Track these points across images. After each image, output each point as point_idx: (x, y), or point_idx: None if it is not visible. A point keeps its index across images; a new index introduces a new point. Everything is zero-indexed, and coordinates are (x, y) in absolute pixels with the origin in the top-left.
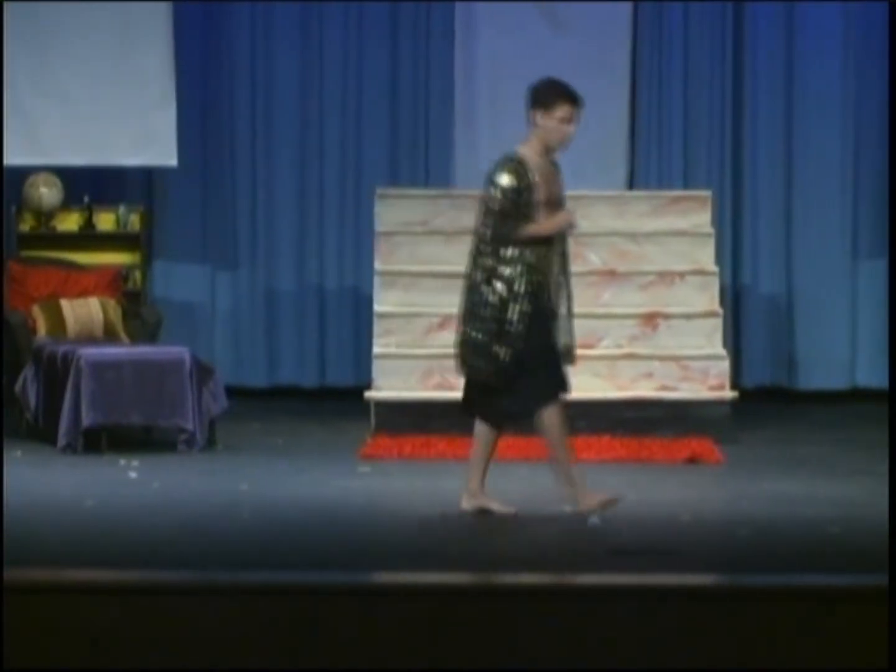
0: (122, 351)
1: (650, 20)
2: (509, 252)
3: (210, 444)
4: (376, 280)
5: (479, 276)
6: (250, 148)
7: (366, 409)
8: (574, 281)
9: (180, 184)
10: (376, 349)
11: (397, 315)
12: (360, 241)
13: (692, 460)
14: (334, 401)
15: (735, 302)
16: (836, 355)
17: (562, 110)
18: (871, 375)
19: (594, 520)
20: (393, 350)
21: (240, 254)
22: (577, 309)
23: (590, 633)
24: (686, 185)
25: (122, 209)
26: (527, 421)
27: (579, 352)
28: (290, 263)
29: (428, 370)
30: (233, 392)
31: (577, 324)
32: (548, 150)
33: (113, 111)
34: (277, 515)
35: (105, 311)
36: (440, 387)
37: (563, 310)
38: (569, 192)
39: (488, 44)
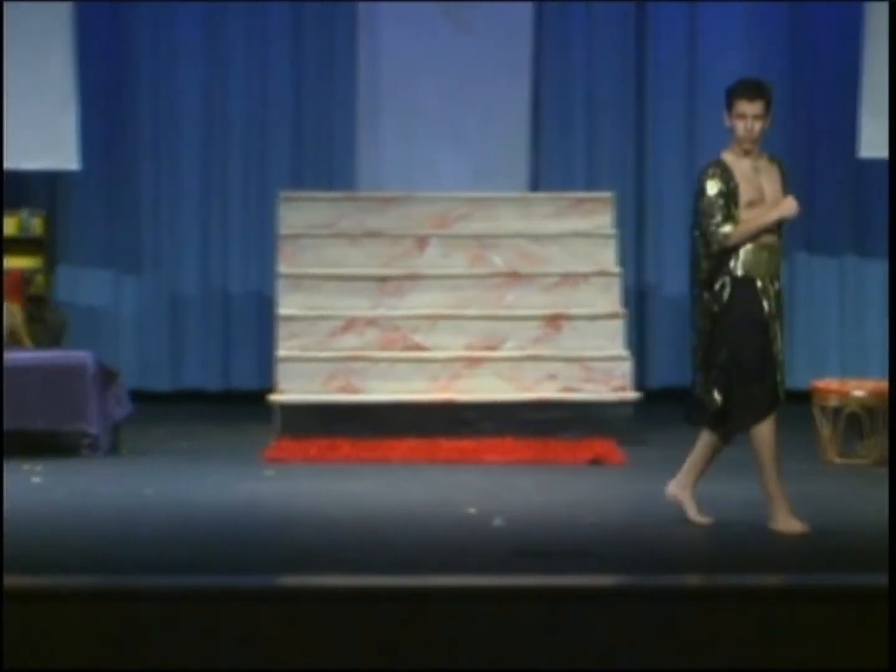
0: (26, 356)
1: (553, 20)
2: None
3: (114, 448)
4: (280, 283)
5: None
6: (154, 151)
7: (270, 412)
8: (477, 283)
9: (84, 188)
10: (280, 352)
11: (301, 318)
12: (264, 245)
13: (596, 461)
14: (239, 404)
15: (639, 303)
16: None
17: (738, 107)
18: None
19: (499, 521)
20: (297, 353)
21: (144, 257)
22: (479, 311)
23: (498, 633)
24: (589, 186)
25: (24, 213)
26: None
27: (481, 353)
28: (194, 267)
29: (332, 373)
30: (137, 396)
31: (480, 326)
32: (744, 151)
33: (14, 115)
34: (183, 519)
35: (8, 316)
36: (344, 389)
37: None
38: (470, 195)
39: (392, 44)
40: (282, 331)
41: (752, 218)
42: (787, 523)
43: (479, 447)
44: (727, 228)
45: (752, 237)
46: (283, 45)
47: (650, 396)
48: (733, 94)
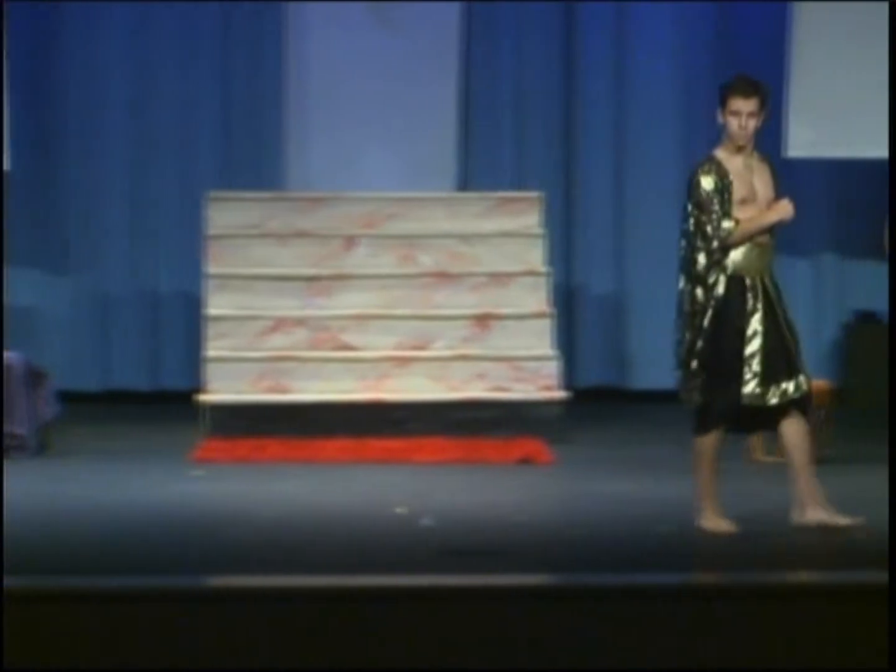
0: None
1: (481, 20)
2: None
3: (42, 449)
4: (209, 283)
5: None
6: (82, 152)
7: (199, 412)
8: (406, 283)
9: (11, 188)
10: (209, 352)
11: (230, 318)
12: (192, 245)
13: (525, 461)
14: (168, 404)
15: (568, 302)
16: (668, 355)
17: (732, 104)
18: None
19: (428, 521)
20: (226, 353)
21: (72, 258)
22: (408, 311)
23: (426, 632)
24: (517, 186)
25: None
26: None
27: (410, 353)
28: (122, 267)
29: (261, 373)
30: (66, 397)
31: (408, 326)
32: (737, 149)
33: None
34: (111, 520)
35: None
36: (273, 389)
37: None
38: (399, 195)
39: (320, 44)
40: (210, 331)
41: (752, 219)
42: (715, 522)
43: (407, 447)
44: (728, 224)
45: (751, 238)
46: (211, 45)
47: (579, 396)
48: (728, 91)
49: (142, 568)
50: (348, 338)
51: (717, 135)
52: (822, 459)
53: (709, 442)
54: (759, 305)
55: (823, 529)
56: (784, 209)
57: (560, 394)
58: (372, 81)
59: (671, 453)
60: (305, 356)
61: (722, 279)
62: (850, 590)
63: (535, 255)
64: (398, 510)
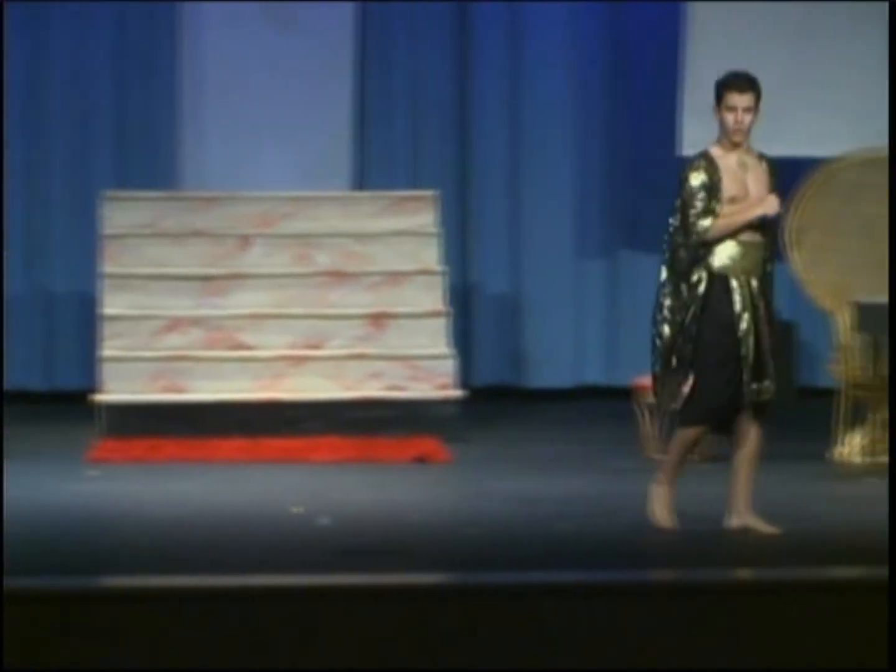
0: None
1: (375, 20)
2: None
3: None
4: (104, 283)
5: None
6: None
7: (94, 412)
8: (301, 282)
9: None
10: (104, 352)
11: (125, 318)
12: (87, 244)
13: (421, 460)
14: (63, 404)
15: (463, 301)
16: (564, 353)
17: (728, 99)
18: (598, 373)
19: (324, 520)
20: (121, 353)
21: None
22: (303, 310)
23: (322, 631)
24: (412, 185)
25: None
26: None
27: (305, 353)
28: (16, 267)
29: (156, 373)
30: None
31: (304, 325)
32: (733, 144)
33: None
34: (6, 520)
35: None
36: (168, 389)
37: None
38: (294, 194)
39: (214, 44)
40: (105, 331)
41: (732, 212)
42: (662, 514)
43: (303, 446)
44: (706, 222)
45: (733, 233)
46: (104, 44)
47: (474, 394)
48: (723, 87)
49: (36, 568)
50: (243, 337)
51: (612, 133)
52: (716, 457)
53: (691, 435)
54: (747, 305)
55: (739, 532)
56: (768, 204)
57: (456, 392)
58: (266, 81)
59: (567, 451)
60: (201, 356)
61: (705, 277)
62: (735, 588)
63: (430, 254)
64: (294, 510)
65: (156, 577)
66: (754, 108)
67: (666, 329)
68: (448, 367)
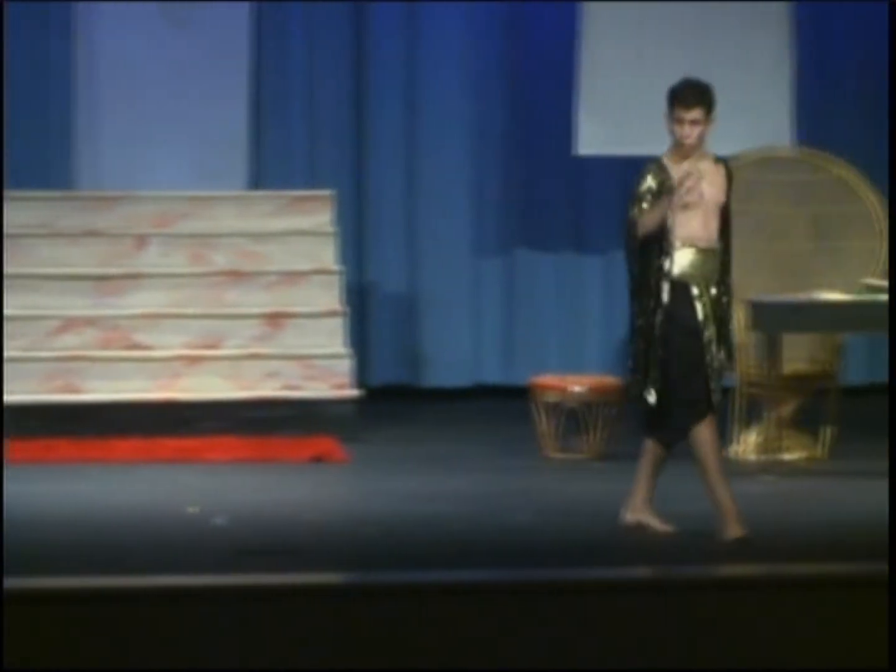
0: None
1: (271, 19)
2: None
3: None
4: None
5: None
6: None
7: None
8: (198, 281)
9: None
10: None
11: (19, 318)
12: None
13: (318, 459)
14: None
15: (360, 301)
16: (460, 352)
17: (675, 112)
18: (494, 372)
19: (220, 520)
20: (16, 353)
21: None
22: (200, 310)
23: (219, 632)
24: (309, 184)
25: None
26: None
27: (201, 352)
28: None
29: (52, 373)
30: None
31: (200, 325)
32: (683, 154)
33: None
34: None
35: None
36: (64, 389)
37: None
38: (190, 193)
39: (110, 43)
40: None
41: (654, 205)
42: (731, 529)
43: (199, 446)
44: (631, 213)
45: (691, 241)
46: None
47: (371, 394)
48: (672, 98)
49: None
50: (139, 337)
51: (509, 132)
52: (611, 455)
53: (704, 436)
54: (709, 313)
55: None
56: (686, 185)
57: (353, 392)
58: (163, 81)
59: (464, 450)
60: (96, 356)
61: (665, 286)
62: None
63: (327, 254)
64: (190, 510)
65: (51, 578)
66: (703, 121)
67: (639, 342)
68: (345, 367)
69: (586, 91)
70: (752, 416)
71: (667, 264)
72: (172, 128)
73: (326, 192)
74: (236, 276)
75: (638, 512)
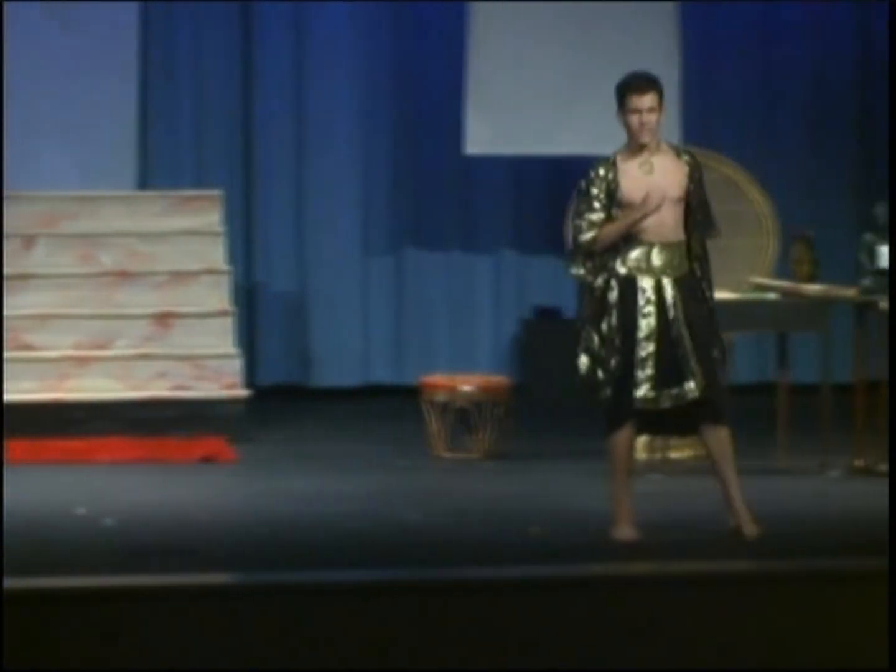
0: None
1: (158, 20)
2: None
3: None
4: None
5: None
6: None
7: None
8: (86, 282)
9: None
10: None
11: None
12: None
13: (207, 459)
14: None
15: (249, 300)
16: (350, 352)
17: (630, 102)
18: (384, 372)
19: (109, 521)
20: None
21: None
22: (89, 310)
23: (109, 633)
24: (197, 184)
25: None
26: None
27: (91, 353)
28: None
29: None
30: None
31: (89, 325)
32: (639, 147)
33: None
34: None
35: None
36: None
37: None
38: (78, 193)
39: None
40: None
41: (618, 220)
42: (621, 531)
43: (89, 447)
44: (589, 235)
45: (638, 236)
46: None
47: (261, 394)
48: (624, 90)
49: None
50: (29, 337)
51: (398, 132)
52: (502, 455)
53: (618, 442)
54: (652, 308)
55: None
56: (645, 204)
57: (242, 392)
58: (49, 81)
59: (354, 450)
60: None
61: (614, 283)
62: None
63: (215, 254)
64: (79, 510)
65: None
66: (658, 108)
67: (595, 338)
68: (234, 367)
69: (474, 91)
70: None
71: (616, 260)
72: (59, 128)
73: (215, 192)
74: (125, 276)
75: (746, 524)
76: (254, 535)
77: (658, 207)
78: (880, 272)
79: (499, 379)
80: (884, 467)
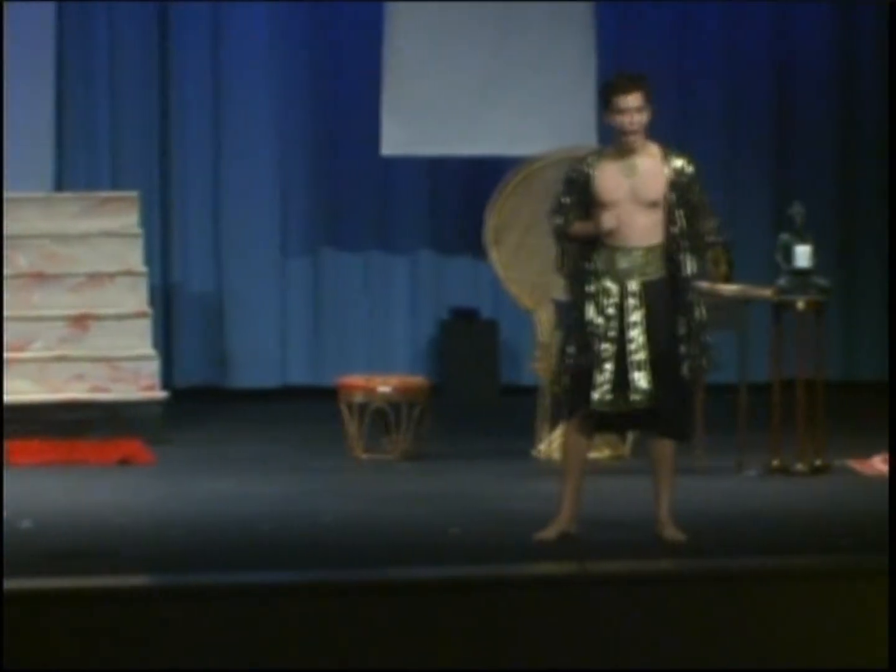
0: None
1: (74, 20)
2: None
3: None
4: None
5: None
6: None
7: None
8: (3, 284)
9: None
10: None
11: None
12: None
13: (125, 461)
14: None
15: (166, 302)
16: (267, 353)
17: (617, 103)
18: (301, 373)
19: (27, 523)
20: None
21: None
22: (6, 312)
23: (29, 636)
24: (114, 186)
25: None
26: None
27: (9, 355)
28: None
29: None
30: None
31: (6, 327)
32: (627, 145)
33: None
34: None
35: None
36: None
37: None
38: None
39: None
40: None
41: (586, 223)
42: (549, 531)
43: (6, 449)
44: (560, 220)
45: (606, 240)
46: None
47: (178, 395)
48: (609, 91)
49: None
50: None
51: (316, 133)
52: (420, 455)
53: (571, 440)
54: (613, 311)
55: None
56: (602, 222)
57: (159, 393)
58: None
59: (272, 451)
60: None
61: (589, 281)
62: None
63: (133, 255)
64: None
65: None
66: (645, 106)
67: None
68: (152, 368)
69: (390, 92)
70: (558, 415)
71: (584, 261)
72: None
73: (132, 194)
74: (42, 277)
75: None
76: (171, 537)
77: (609, 229)
78: (796, 272)
79: (416, 380)
80: (800, 466)
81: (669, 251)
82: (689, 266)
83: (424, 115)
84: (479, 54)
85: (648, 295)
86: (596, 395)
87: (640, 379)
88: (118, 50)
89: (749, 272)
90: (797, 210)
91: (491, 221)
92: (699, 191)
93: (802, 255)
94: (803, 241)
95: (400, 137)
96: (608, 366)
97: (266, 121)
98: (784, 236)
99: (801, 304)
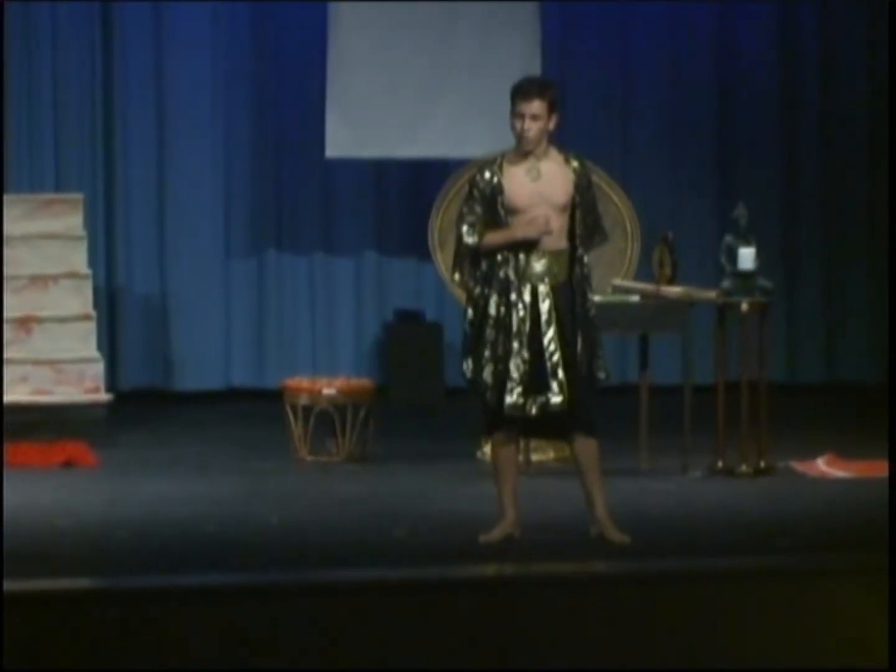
0: None
1: (17, 21)
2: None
3: None
4: None
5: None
6: None
7: None
8: None
9: None
10: None
11: None
12: None
13: (68, 464)
14: None
15: (110, 304)
16: (212, 355)
17: (516, 106)
18: (246, 375)
19: None
20: None
21: None
22: None
23: None
24: (58, 187)
25: None
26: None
27: None
28: None
29: None
30: None
31: None
32: (523, 153)
33: None
34: None
35: None
36: None
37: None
38: None
39: None
40: None
41: (502, 231)
42: (494, 533)
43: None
44: (473, 239)
45: (515, 245)
46: None
47: (122, 398)
48: (513, 94)
49: None
50: None
51: (260, 134)
52: (365, 457)
53: (497, 446)
54: (526, 315)
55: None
56: (531, 226)
57: (104, 396)
58: None
59: (216, 453)
60: None
61: (494, 289)
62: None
63: (77, 257)
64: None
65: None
66: (544, 116)
67: (475, 342)
68: (96, 371)
69: (334, 93)
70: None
71: (495, 268)
72: None
73: (76, 196)
74: None
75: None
76: (115, 539)
77: (548, 230)
78: (740, 274)
79: (361, 381)
80: (744, 468)
81: (572, 254)
82: (587, 267)
83: (368, 116)
84: (424, 55)
85: (560, 298)
86: (509, 400)
87: (560, 382)
88: (60, 51)
89: (693, 274)
90: (741, 212)
91: (435, 223)
92: (594, 193)
93: (746, 257)
94: (747, 243)
95: (344, 139)
96: (521, 370)
97: (210, 122)
98: (728, 238)
99: (745, 306)
